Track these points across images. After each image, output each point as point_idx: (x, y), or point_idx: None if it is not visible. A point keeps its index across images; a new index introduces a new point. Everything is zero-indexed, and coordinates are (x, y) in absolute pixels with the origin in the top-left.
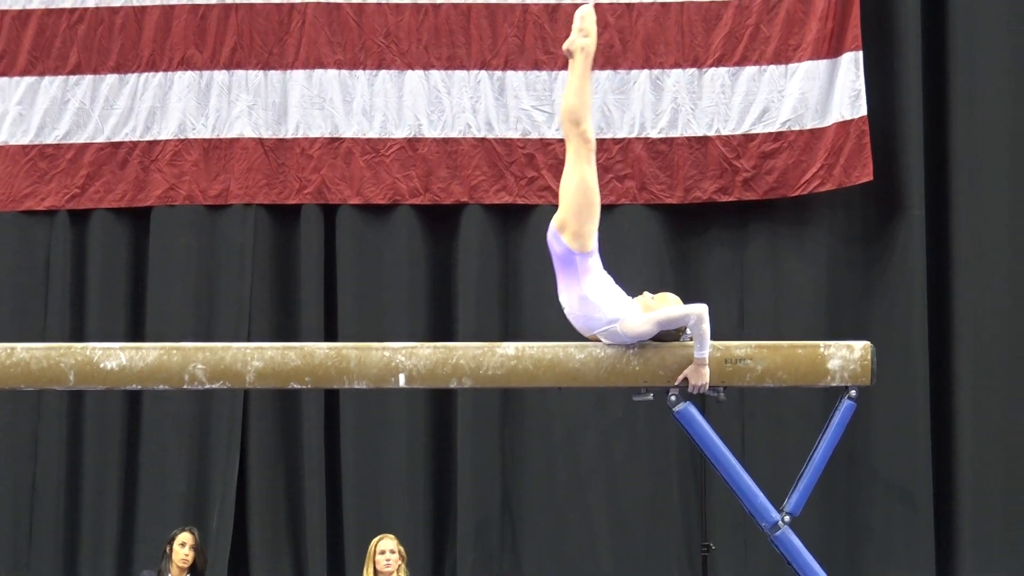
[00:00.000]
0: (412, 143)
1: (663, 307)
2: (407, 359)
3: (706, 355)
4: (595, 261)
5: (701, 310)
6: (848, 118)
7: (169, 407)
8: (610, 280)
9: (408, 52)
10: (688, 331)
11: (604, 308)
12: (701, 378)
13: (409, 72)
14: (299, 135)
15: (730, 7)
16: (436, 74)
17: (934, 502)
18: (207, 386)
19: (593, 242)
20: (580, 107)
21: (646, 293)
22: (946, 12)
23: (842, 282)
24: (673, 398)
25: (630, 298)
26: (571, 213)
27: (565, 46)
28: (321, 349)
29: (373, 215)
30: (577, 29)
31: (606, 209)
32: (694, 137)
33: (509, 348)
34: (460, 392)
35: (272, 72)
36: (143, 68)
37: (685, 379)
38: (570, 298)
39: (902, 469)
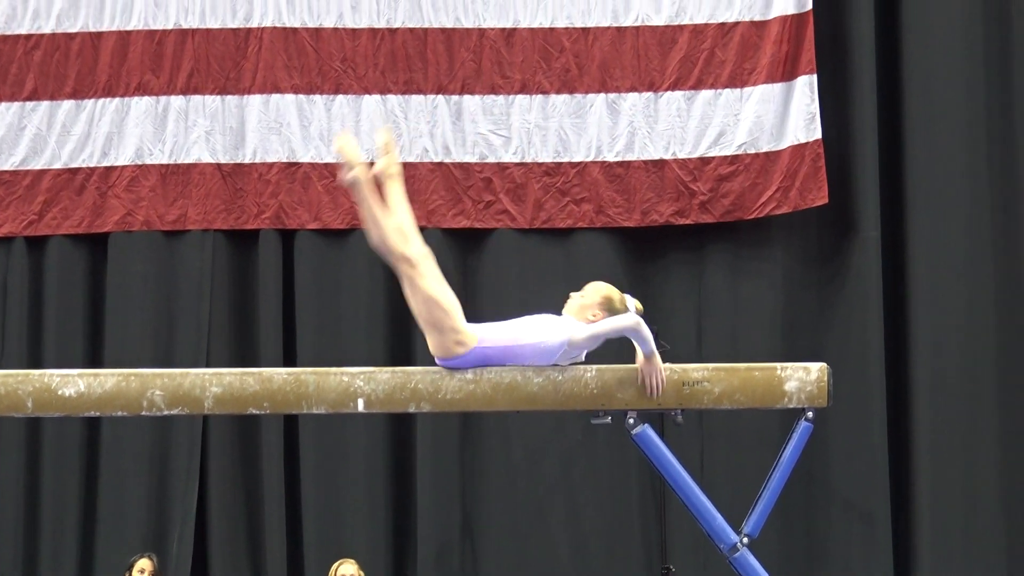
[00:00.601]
0: (370, 168)
1: (601, 322)
2: (365, 384)
3: (653, 349)
4: (492, 332)
5: (634, 321)
6: (803, 141)
7: (128, 433)
8: (524, 318)
9: (365, 77)
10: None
11: (549, 339)
12: (655, 370)
13: (366, 97)
14: (257, 160)
15: (685, 31)
16: (393, 99)
17: (892, 521)
18: (166, 412)
19: (471, 331)
20: (396, 232)
21: (572, 294)
22: (900, 34)
23: (799, 304)
24: (631, 421)
25: (557, 317)
26: (436, 335)
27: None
28: (279, 374)
29: (331, 240)
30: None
31: (565, 233)
32: (651, 160)
33: (467, 372)
34: (419, 416)
35: (229, 97)
36: (100, 94)
37: (643, 383)
38: (518, 361)
39: (860, 489)
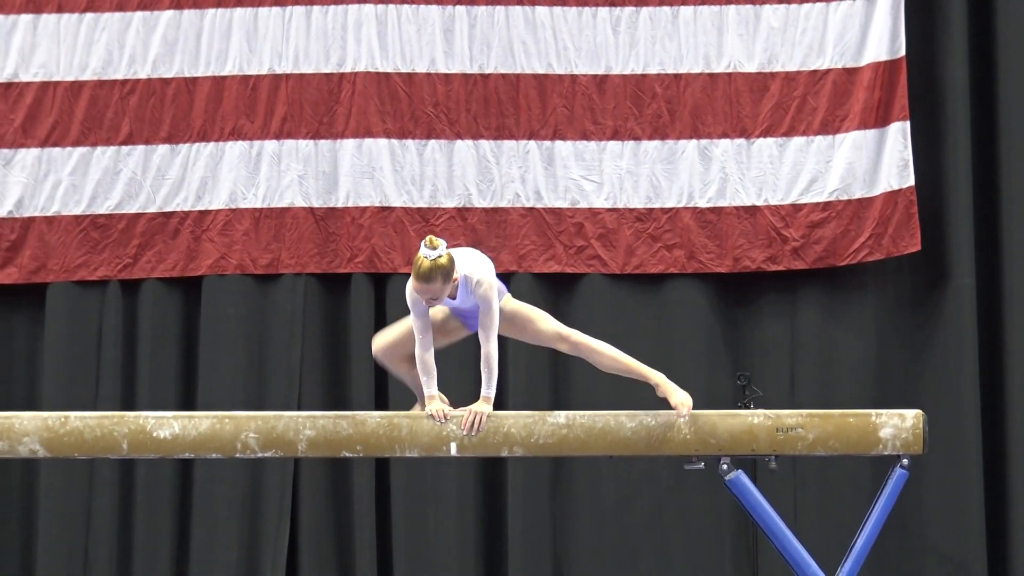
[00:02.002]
0: (462, 213)
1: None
2: (458, 428)
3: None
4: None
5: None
6: (896, 188)
7: (220, 476)
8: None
9: (457, 122)
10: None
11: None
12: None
13: (458, 142)
14: (350, 204)
15: (777, 78)
16: (485, 144)
17: (988, 573)
18: (259, 455)
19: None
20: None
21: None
22: (995, 80)
23: (892, 350)
24: (725, 467)
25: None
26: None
27: None
28: (372, 418)
29: None
30: None
31: (656, 278)
32: (743, 207)
33: (560, 417)
34: (510, 460)
35: (322, 142)
36: (194, 139)
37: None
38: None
39: (955, 539)
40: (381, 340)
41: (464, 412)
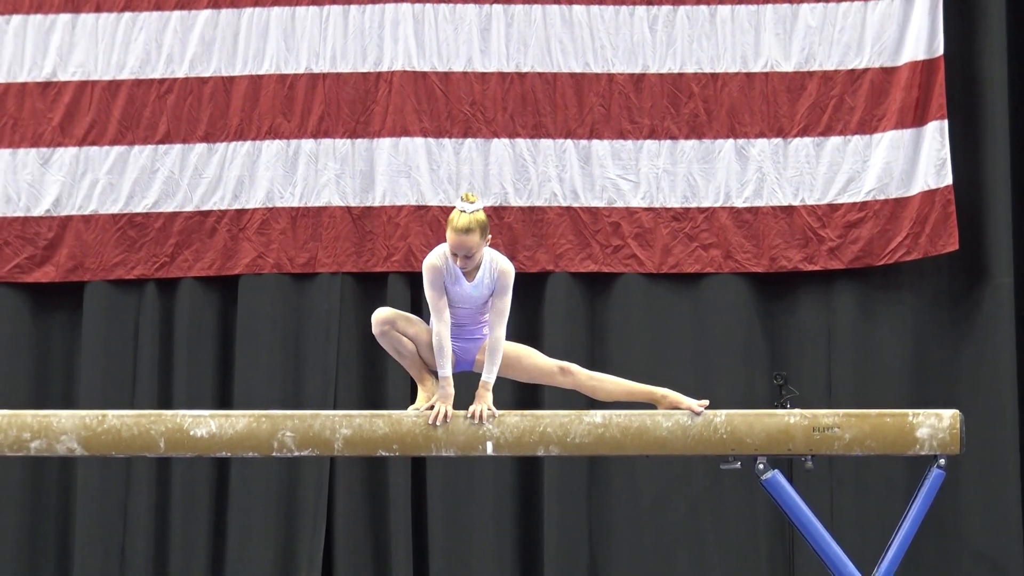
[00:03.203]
0: (498, 211)
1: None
2: (494, 427)
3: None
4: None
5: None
6: (933, 187)
7: (256, 474)
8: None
9: (494, 121)
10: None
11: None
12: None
13: (495, 141)
14: (386, 203)
15: (814, 78)
16: (522, 143)
17: None
18: (296, 453)
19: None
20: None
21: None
22: None
23: (929, 350)
24: (761, 466)
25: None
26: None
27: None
28: (409, 417)
29: None
30: None
31: (693, 278)
32: (779, 206)
33: (596, 416)
34: (546, 459)
35: (359, 140)
36: (231, 137)
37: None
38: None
39: (992, 539)
40: (389, 312)
41: (473, 409)
